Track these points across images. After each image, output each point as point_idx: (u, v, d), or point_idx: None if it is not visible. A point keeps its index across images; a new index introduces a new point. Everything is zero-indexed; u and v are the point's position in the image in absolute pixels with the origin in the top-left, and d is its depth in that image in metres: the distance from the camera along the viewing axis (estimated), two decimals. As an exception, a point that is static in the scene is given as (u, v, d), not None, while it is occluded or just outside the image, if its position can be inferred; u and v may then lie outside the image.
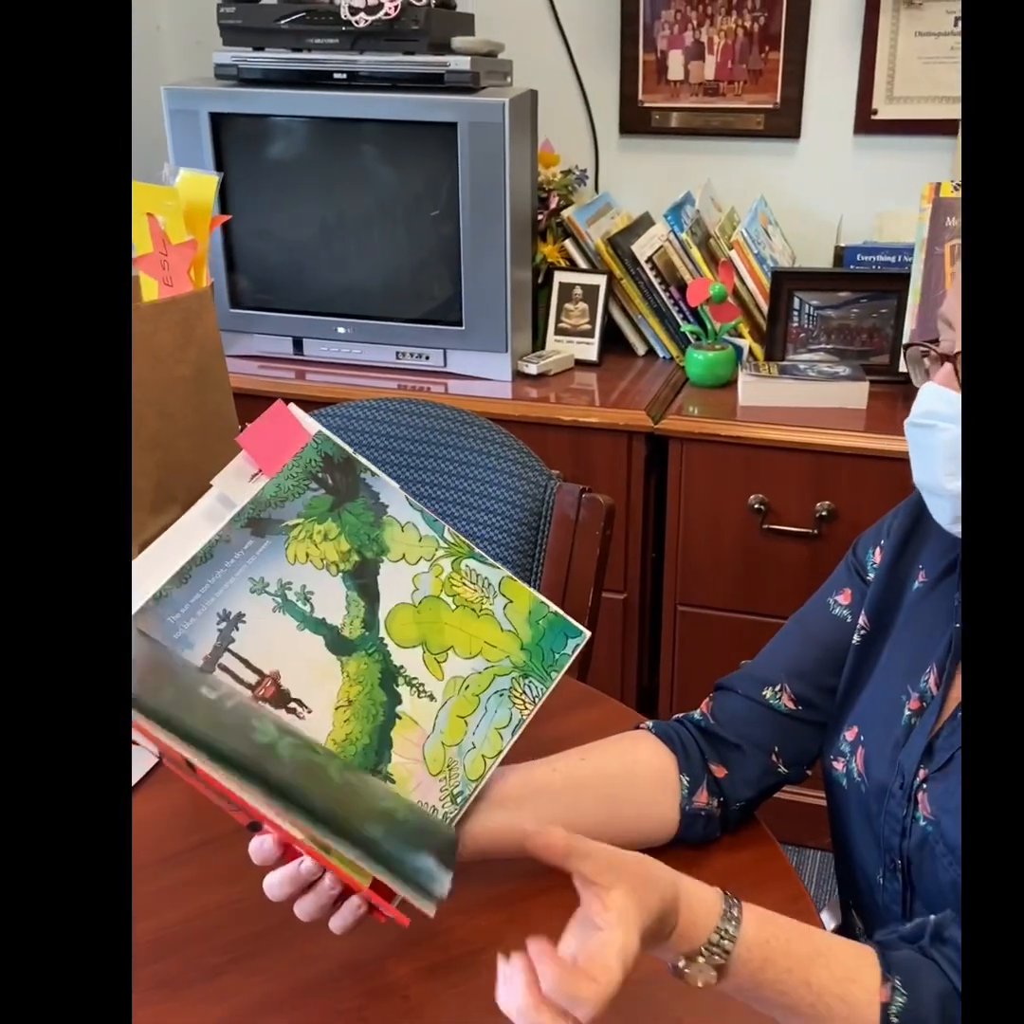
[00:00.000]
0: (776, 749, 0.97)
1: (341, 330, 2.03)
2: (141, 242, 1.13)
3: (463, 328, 1.95)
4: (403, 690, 0.86)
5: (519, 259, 1.94)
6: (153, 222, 1.11)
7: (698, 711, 1.01)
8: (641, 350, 2.10)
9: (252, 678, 0.83)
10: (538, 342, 2.07)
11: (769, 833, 0.99)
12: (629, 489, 1.88)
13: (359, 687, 0.85)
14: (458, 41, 1.92)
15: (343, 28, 1.91)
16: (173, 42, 2.39)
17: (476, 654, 0.89)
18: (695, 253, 1.97)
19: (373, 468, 0.90)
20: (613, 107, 2.21)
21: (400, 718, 0.86)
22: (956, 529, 0.86)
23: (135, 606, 0.81)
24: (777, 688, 0.98)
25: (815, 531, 1.81)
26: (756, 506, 1.82)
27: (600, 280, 2.03)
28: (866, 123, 2.09)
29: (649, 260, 2.00)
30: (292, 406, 0.90)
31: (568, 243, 2.06)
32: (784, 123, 2.12)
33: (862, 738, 0.93)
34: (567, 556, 1.40)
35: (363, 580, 0.87)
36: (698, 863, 0.93)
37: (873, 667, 0.96)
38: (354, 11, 1.89)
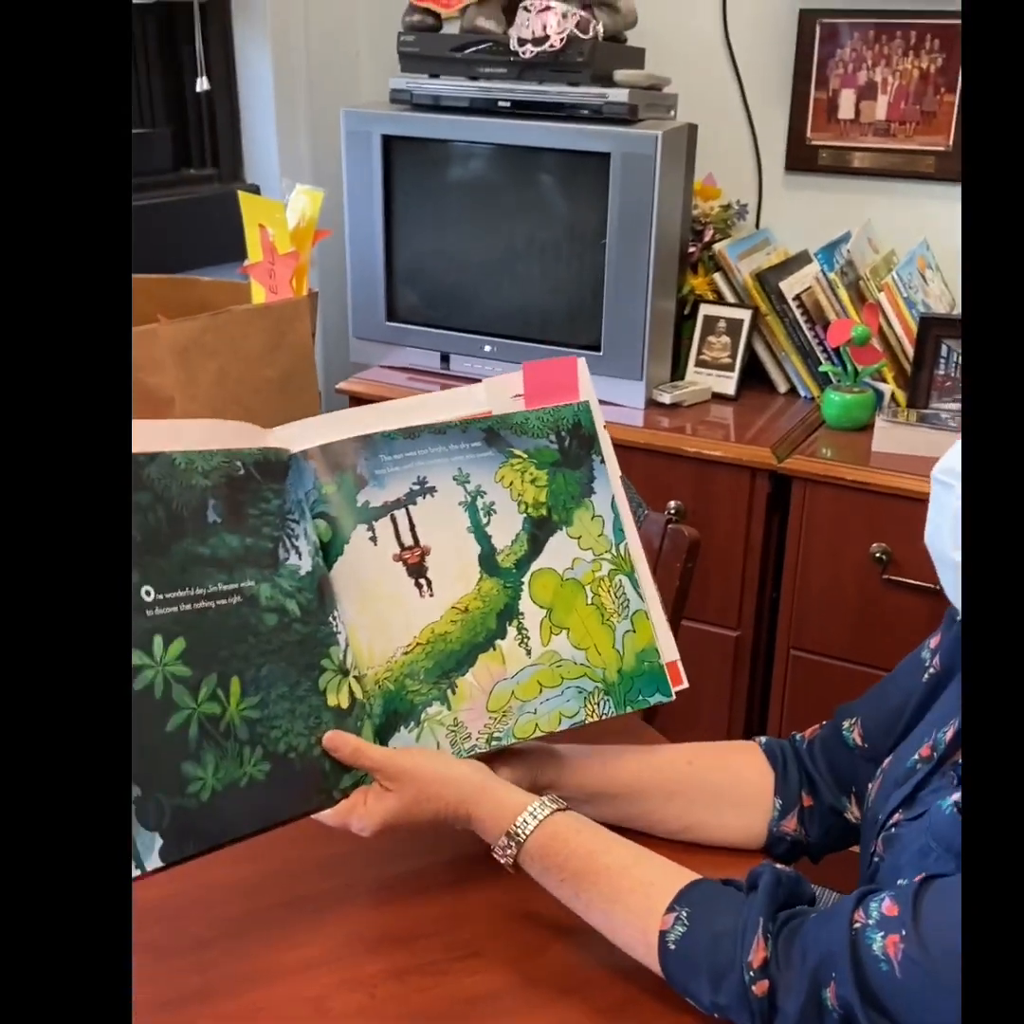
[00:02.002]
0: (853, 789, 0.98)
1: (487, 348, 2.10)
2: (253, 251, 1.22)
3: (601, 353, 1.98)
4: (511, 630, 0.94)
5: (663, 289, 1.96)
6: (264, 233, 1.20)
7: (805, 734, 1.04)
8: (783, 388, 2.08)
9: (408, 539, 0.92)
10: (678, 372, 2.08)
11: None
12: (749, 526, 1.86)
13: (481, 604, 0.93)
14: (620, 74, 1.96)
15: (511, 59, 1.98)
16: (370, 68, 2.52)
17: (583, 649, 0.96)
18: (842, 293, 1.94)
19: (607, 456, 0.99)
20: (781, 144, 2.19)
21: (493, 649, 0.93)
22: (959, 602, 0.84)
23: (364, 429, 0.92)
24: (853, 721, 1.00)
25: (938, 587, 1.74)
26: (877, 555, 1.77)
27: (744, 315, 2.02)
28: (1044, 169, 2.00)
29: (797, 298, 1.98)
30: (583, 364, 1.00)
31: (717, 276, 2.06)
32: (956, 166, 2.06)
33: (884, 769, 0.93)
34: (648, 584, 1.40)
35: (538, 532, 0.96)
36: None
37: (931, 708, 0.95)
38: (521, 42, 1.95)
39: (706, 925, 0.78)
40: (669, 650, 0.99)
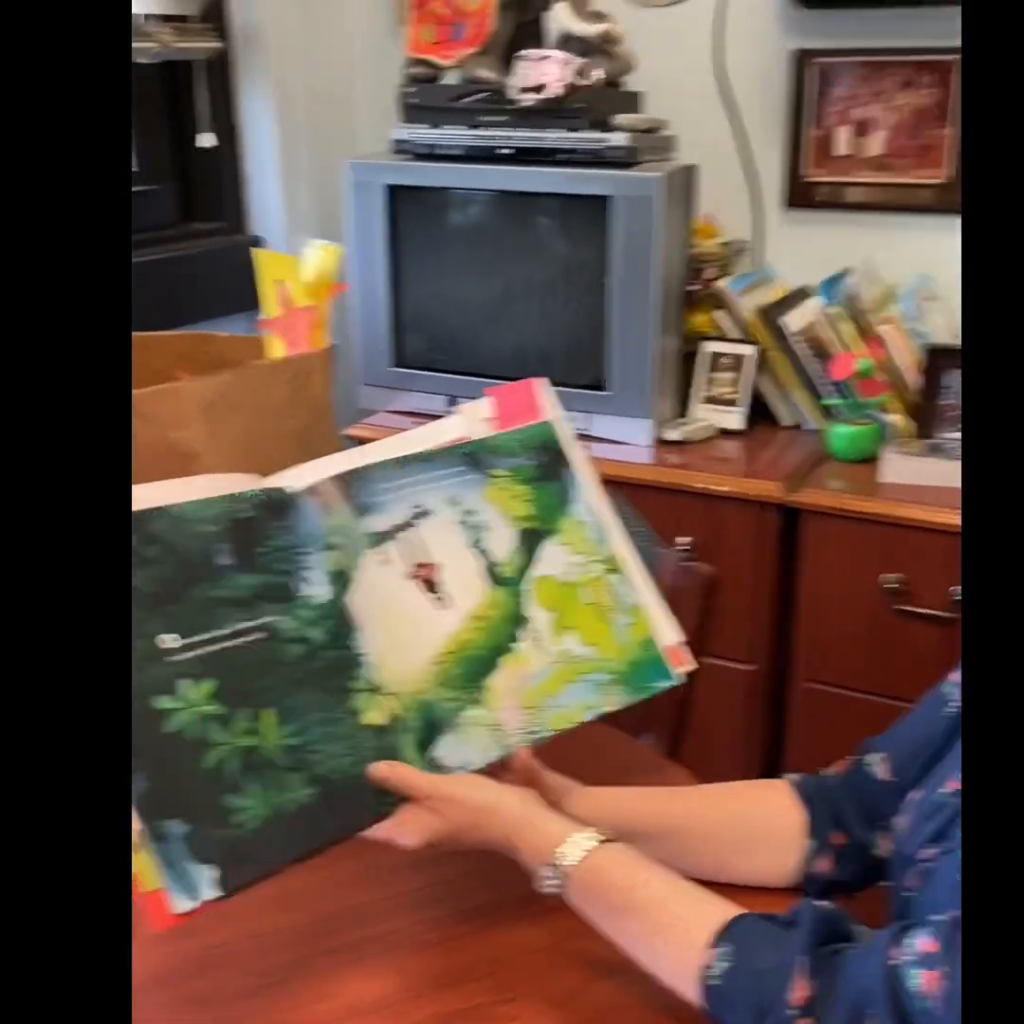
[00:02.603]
0: (881, 823, 0.98)
1: (494, 390, 2.11)
2: (271, 306, 1.25)
3: (608, 393, 2.00)
4: (526, 633, 0.99)
5: (667, 328, 1.98)
6: (282, 288, 1.22)
7: (832, 770, 1.04)
8: (789, 421, 2.10)
9: (419, 558, 0.97)
10: (685, 410, 2.10)
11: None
12: (760, 560, 1.87)
13: (494, 611, 0.98)
14: (620, 118, 1.99)
15: (511, 107, 2.01)
16: (368, 120, 2.56)
17: (592, 645, 1.01)
18: (845, 327, 1.96)
19: (578, 469, 1.06)
20: (779, 181, 2.23)
21: (514, 651, 0.97)
22: None
23: (357, 463, 0.97)
24: (879, 756, 1.00)
25: (951, 616, 1.75)
26: (889, 585, 1.78)
27: (748, 351, 2.04)
28: (1039, 200, 2.03)
29: (800, 333, 2.00)
30: (545, 385, 1.07)
31: (720, 313, 2.09)
32: (953, 199, 2.09)
33: (913, 802, 0.93)
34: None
35: (530, 543, 1.02)
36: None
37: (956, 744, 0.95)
38: (521, 91, 1.99)
39: (748, 962, 0.78)
40: (668, 635, 1.04)
